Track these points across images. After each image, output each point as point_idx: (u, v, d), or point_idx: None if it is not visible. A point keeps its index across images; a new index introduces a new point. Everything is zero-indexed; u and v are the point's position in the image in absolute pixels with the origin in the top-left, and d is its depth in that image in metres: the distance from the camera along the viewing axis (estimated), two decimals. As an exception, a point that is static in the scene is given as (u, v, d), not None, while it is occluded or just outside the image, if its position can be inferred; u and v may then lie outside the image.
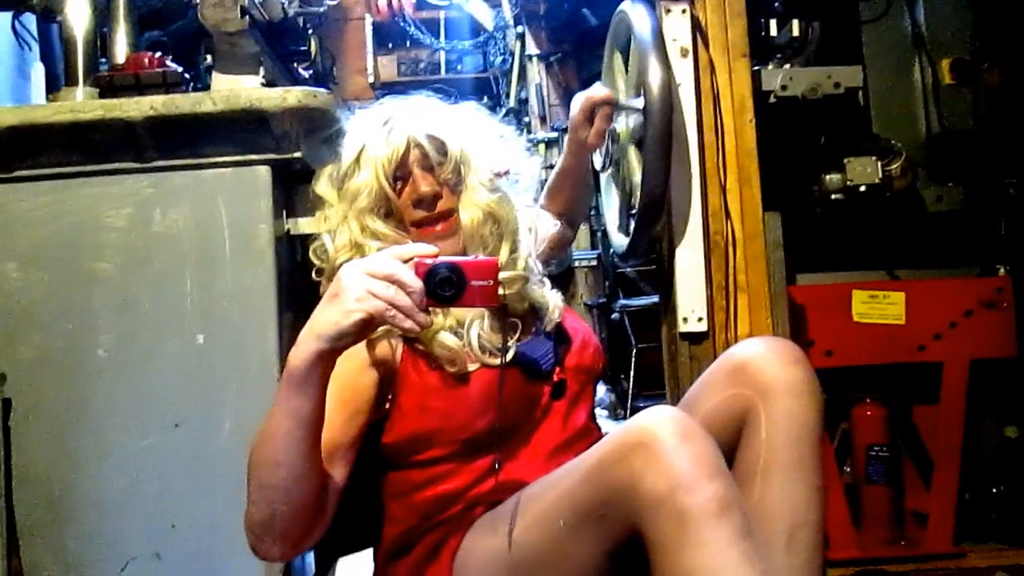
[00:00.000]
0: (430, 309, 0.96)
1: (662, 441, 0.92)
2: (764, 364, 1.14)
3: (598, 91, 1.48)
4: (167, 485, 1.39)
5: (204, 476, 1.38)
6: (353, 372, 1.13)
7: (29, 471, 1.40)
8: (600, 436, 1.25)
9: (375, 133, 1.19)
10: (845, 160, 1.89)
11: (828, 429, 1.92)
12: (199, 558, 1.38)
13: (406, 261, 0.94)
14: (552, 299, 1.27)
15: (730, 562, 0.88)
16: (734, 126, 1.63)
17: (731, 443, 1.13)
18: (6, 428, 1.38)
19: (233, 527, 1.34)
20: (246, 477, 0.99)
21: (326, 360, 0.93)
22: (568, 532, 1.00)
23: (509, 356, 1.16)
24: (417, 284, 0.92)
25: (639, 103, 1.47)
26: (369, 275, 0.91)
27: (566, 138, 1.56)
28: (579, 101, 1.48)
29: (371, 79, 3.66)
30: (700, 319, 1.58)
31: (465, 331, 1.16)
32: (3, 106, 1.62)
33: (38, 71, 1.86)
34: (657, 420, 0.95)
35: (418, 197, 1.18)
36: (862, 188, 1.89)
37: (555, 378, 1.22)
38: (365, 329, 0.92)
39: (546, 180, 1.59)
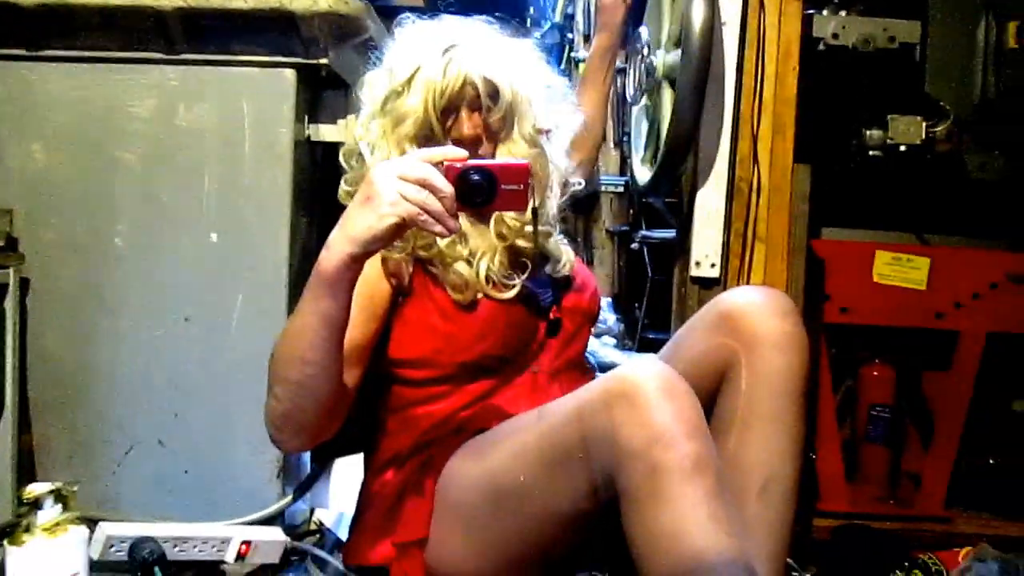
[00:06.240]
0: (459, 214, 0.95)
1: (645, 395, 0.93)
2: (752, 315, 1.14)
3: None
4: (175, 376, 1.43)
5: (210, 371, 1.42)
6: (373, 279, 1.16)
7: (44, 350, 1.44)
8: (590, 376, 1.27)
9: (433, 59, 1.16)
10: (889, 117, 1.82)
11: (833, 384, 1.92)
12: (199, 449, 1.42)
13: (436, 164, 0.93)
14: (565, 253, 1.29)
15: (696, 520, 0.89)
16: (776, 72, 1.58)
17: (712, 392, 1.15)
18: (23, 306, 1.42)
19: (235, 422, 1.40)
20: (269, 373, 1.02)
21: (358, 263, 0.95)
22: (547, 468, 1.02)
23: (514, 292, 1.18)
24: (449, 189, 0.92)
25: None
26: (401, 178, 0.91)
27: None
28: None
29: (418, -22, 3.56)
30: (713, 265, 1.57)
31: (475, 263, 1.17)
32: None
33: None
34: (643, 373, 0.96)
35: (459, 137, 1.17)
36: (903, 148, 1.82)
37: (551, 316, 1.24)
38: (397, 233, 0.93)
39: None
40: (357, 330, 1.11)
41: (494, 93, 1.18)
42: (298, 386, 0.99)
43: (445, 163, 0.94)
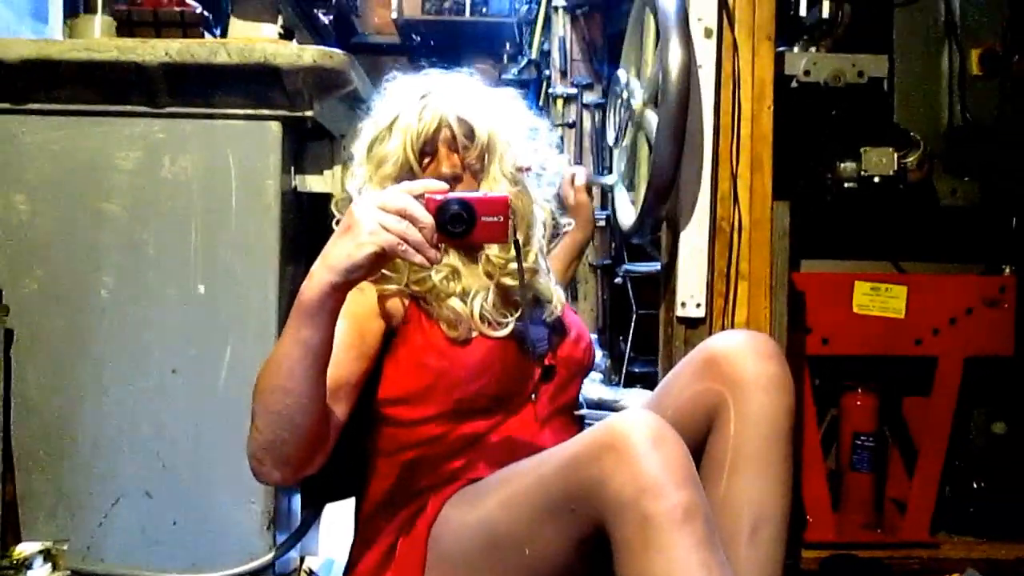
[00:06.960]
0: (440, 245, 0.96)
1: (634, 445, 0.94)
2: (737, 359, 1.16)
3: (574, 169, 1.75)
4: (161, 427, 1.42)
5: (198, 422, 1.42)
6: (363, 316, 1.17)
7: (28, 402, 1.43)
8: (581, 424, 1.28)
9: (411, 105, 1.22)
10: (862, 149, 1.87)
11: (818, 415, 1.94)
12: (187, 500, 1.41)
13: (417, 196, 0.95)
14: (556, 294, 1.30)
15: (688, 569, 0.90)
16: (751, 111, 1.61)
17: (701, 436, 1.16)
18: (7, 358, 1.41)
19: (223, 472, 1.39)
20: (251, 403, 1.01)
21: (339, 292, 0.95)
22: (539, 519, 1.03)
23: (508, 331, 1.19)
24: (428, 219, 0.94)
25: (610, 179, 1.70)
26: (382, 209, 0.93)
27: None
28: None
29: (394, 14, 3.60)
30: (698, 305, 1.58)
31: (469, 301, 1.19)
32: (20, 37, 1.61)
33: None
34: (631, 424, 0.96)
35: (438, 176, 1.19)
36: (876, 179, 1.86)
37: (546, 362, 1.25)
38: (378, 262, 0.94)
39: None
40: (345, 368, 1.12)
41: (469, 133, 1.21)
42: (278, 416, 0.98)
43: (427, 195, 0.96)
